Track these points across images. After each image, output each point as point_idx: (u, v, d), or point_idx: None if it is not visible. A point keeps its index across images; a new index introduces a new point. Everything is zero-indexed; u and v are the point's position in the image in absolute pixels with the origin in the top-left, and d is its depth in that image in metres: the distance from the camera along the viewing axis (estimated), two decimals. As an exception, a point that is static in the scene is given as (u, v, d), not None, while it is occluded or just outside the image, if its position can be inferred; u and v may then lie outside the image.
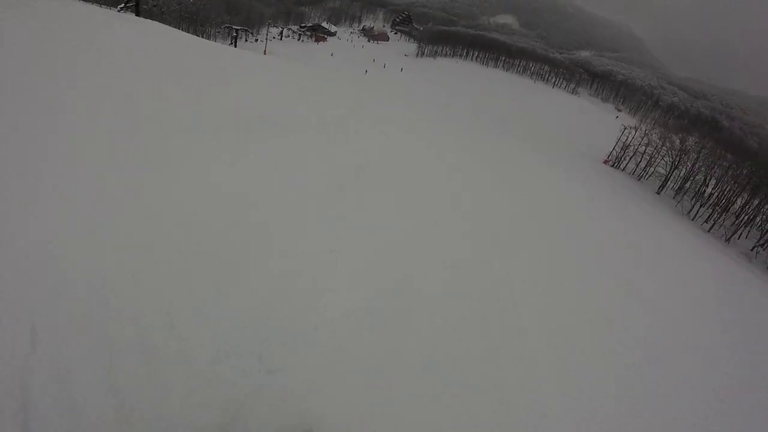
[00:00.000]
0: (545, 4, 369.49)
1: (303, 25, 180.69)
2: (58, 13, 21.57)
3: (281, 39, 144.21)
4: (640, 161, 61.13)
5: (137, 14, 51.38)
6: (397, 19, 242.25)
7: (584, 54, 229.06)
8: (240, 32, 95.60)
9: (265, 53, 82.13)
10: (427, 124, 36.92)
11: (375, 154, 18.41)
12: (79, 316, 6.11)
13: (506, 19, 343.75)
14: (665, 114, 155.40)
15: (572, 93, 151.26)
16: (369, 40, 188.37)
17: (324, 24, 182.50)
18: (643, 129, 63.74)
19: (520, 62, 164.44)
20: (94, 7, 33.90)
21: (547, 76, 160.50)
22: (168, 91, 17.14)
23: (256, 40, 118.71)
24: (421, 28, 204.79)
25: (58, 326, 5.84)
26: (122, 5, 52.57)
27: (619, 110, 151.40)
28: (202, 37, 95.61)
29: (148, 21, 34.42)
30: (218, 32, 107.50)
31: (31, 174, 8.55)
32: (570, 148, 62.28)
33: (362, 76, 71.67)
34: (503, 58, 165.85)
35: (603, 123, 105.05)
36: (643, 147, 61.09)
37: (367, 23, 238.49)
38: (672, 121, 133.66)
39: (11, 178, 8.15)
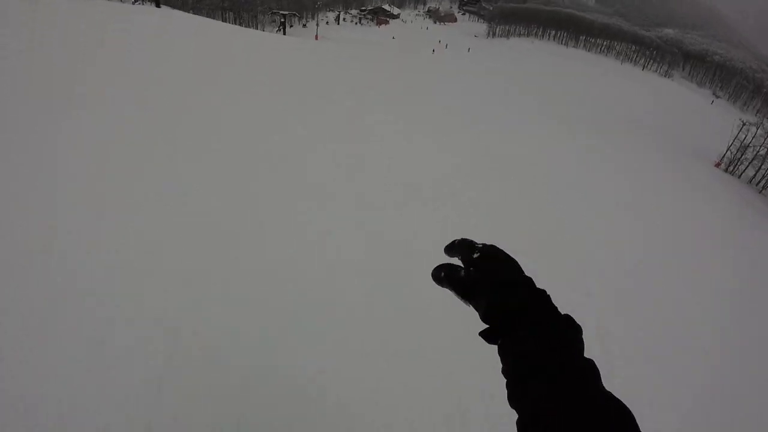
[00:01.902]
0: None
1: (363, 8, 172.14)
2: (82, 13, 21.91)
3: (338, 23, 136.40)
4: (761, 167, 49.74)
5: (157, 5, 48.81)
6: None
7: (668, 32, 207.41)
8: (288, 17, 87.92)
9: (316, 38, 75.59)
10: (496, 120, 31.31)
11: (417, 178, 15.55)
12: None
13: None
14: (766, 102, 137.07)
15: (665, 76, 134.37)
16: (435, 22, 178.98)
17: (386, 6, 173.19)
18: (767, 126, 51.99)
19: (604, 42, 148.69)
20: (114, 3, 31.97)
21: (634, 56, 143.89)
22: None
23: (304, 25, 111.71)
24: (491, 8, 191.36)
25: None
26: None
27: (717, 96, 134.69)
28: (246, 25, 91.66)
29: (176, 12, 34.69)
30: (270, 20, 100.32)
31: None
32: (676, 146, 51.10)
33: (423, 62, 63.08)
34: (583, 37, 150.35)
35: (700, 112, 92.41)
36: (765, 149, 49.72)
37: (433, 4, 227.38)
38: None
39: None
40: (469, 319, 1.25)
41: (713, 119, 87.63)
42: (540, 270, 2.47)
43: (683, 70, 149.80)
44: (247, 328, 7.05)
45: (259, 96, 20.86)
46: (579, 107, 52.97)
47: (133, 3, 50.66)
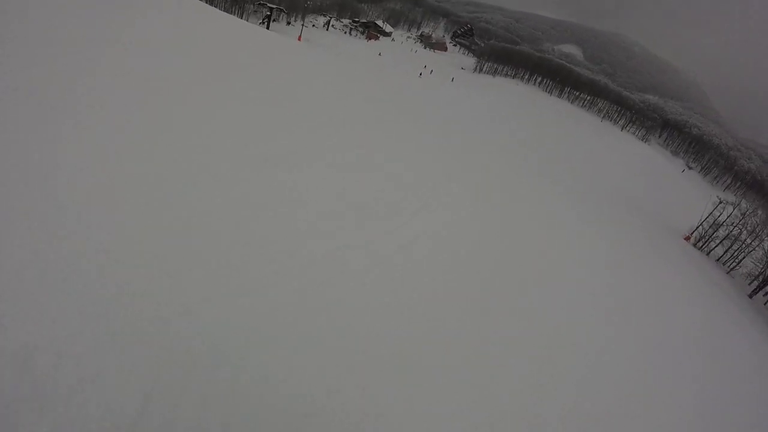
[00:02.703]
0: (612, 41, 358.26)
1: (356, 20, 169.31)
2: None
3: (327, 29, 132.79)
4: (730, 247, 47.65)
5: None
6: (459, 31, 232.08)
7: (649, 98, 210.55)
8: (275, 12, 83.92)
9: (299, 39, 72.07)
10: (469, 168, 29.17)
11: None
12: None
13: (571, 49, 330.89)
14: (735, 179, 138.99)
15: (642, 140, 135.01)
16: (425, 47, 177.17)
17: (379, 22, 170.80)
18: (744, 207, 49.88)
19: (587, 96, 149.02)
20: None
21: (615, 116, 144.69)
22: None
23: (288, 23, 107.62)
24: (482, 44, 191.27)
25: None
26: None
27: (690, 167, 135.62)
28: (229, 11, 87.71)
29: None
30: (253, 10, 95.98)
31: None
32: (644, 215, 49.00)
33: (401, 88, 60.17)
34: (568, 88, 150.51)
35: (672, 181, 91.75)
36: (738, 230, 47.61)
37: (427, 30, 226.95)
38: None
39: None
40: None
41: (684, 189, 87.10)
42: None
43: (660, 136, 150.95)
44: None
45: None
46: (556, 163, 50.81)
47: None
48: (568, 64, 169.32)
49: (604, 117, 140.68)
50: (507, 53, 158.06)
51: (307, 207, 13.13)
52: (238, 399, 6.51)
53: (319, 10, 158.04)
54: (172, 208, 10.23)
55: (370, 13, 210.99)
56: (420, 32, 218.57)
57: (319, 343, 8.24)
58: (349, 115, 26.82)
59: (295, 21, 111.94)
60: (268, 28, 73.32)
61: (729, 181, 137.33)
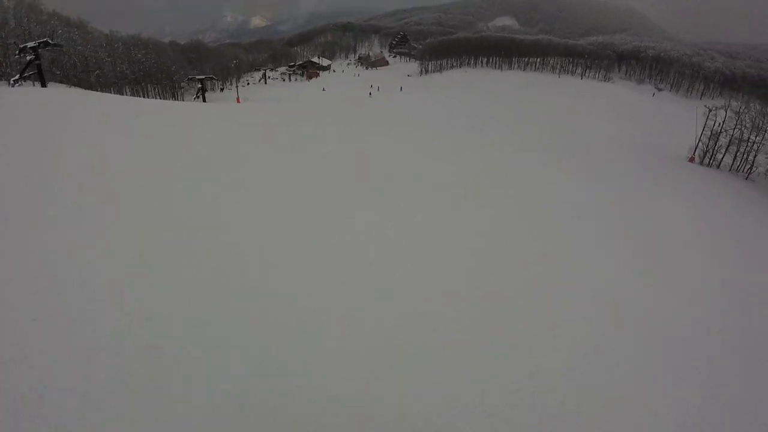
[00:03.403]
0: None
1: (291, 64, 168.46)
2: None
3: (265, 82, 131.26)
4: (738, 151, 44.56)
5: (43, 84, 49.00)
6: (393, 42, 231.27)
7: (596, 39, 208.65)
8: (207, 82, 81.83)
9: (237, 101, 69.97)
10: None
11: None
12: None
13: (505, 21, 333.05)
14: (707, 84, 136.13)
15: (605, 80, 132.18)
16: (367, 68, 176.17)
17: (315, 59, 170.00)
18: (735, 106, 46.84)
19: (537, 59, 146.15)
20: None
21: (570, 67, 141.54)
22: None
23: (222, 89, 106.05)
24: (419, 46, 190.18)
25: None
26: (16, 77, 48.56)
27: (659, 89, 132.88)
28: (163, 96, 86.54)
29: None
30: (183, 87, 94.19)
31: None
32: (636, 151, 45.60)
33: (351, 109, 58.22)
34: (515, 58, 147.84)
35: (646, 107, 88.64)
36: (739, 131, 44.59)
37: (363, 51, 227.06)
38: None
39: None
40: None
41: (664, 113, 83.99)
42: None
43: (619, 71, 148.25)
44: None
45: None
46: (526, 128, 47.72)
47: (12, 85, 45.05)
48: (506, 35, 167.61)
49: (560, 72, 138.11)
50: (445, 46, 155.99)
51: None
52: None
53: (252, 67, 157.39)
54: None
55: (304, 53, 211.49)
56: (357, 56, 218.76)
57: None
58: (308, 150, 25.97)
59: (231, 85, 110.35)
60: (204, 100, 71.21)
61: (702, 88, 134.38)
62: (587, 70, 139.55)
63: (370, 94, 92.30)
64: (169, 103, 44.70)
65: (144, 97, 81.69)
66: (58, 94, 32.88)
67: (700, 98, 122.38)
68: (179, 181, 17.00)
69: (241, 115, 39.75)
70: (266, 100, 74.79)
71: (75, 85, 62.89)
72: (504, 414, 7.33)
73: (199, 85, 74.35)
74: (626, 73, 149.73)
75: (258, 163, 21.91)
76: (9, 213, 12.28)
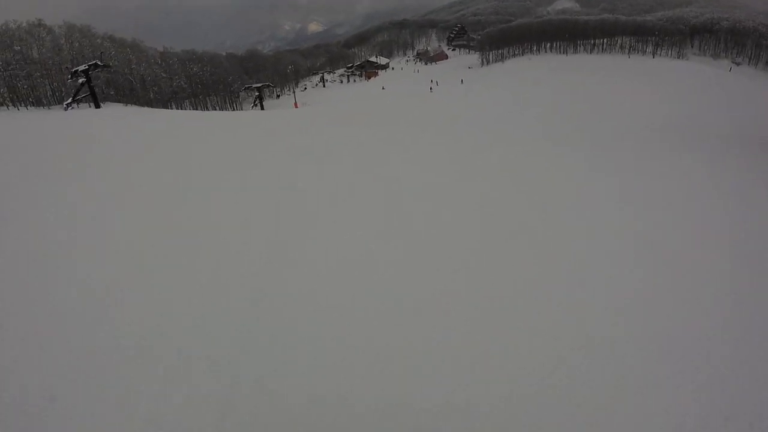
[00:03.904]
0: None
1: (350, 65, 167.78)
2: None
3: (324, 86, 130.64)
4: None
5: (96, 105, 50.15)
6: (451, 35, 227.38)
7: (663, 14, 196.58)
8: (264, 90, 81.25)
9: (295, 106, 68.63)
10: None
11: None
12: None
13: (564, 4, 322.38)
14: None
15: (679, 57, 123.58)
16: (426, 63, 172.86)
17: (372, 59, 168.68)
18: None
19: (604, 40, 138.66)
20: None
21: (640, 46, 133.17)
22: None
23: (278, 96, 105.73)
24: (478, 37, 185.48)
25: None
26: (69, 101, 50.11)
27: (737, 63, 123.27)
28: (222, 107, 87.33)
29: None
30: (244, 97, 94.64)
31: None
32: (719, 135, 38.29)
33: (410, 106, 55.63)
34: (580, 41, 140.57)
35: (723, 84, 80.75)
36: None
37: (421, 47, 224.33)
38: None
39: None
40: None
41: (743, 89, 75.92)
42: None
43: (692, 46, 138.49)
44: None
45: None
46: (601, 117, 42.78)
47: (66, 109, 46.12)
48: (570, 17, 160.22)
49: (629, 52, 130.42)
50: (505, 34, 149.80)
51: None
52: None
53: (310, 72, 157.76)
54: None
55: (362, 54, 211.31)
56: (416, 51, 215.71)
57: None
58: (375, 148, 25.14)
59: (289, 91, 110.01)
60: (262, 108, 70.38)
61: None
62: (658, 48, 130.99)
63: (431, 89, 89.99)
64: (208, 114, 44.78)
65: (203, 109, 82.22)
66: (103, 111, 34.02)
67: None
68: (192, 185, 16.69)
69: (296, 120, 38.69)
70: (324, 103, 73.08)
71: (132, 103, 63.54)
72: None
73: (257, 93, 73.69)
74: (700, 48, 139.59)
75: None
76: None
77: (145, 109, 47.03)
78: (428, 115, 42.51)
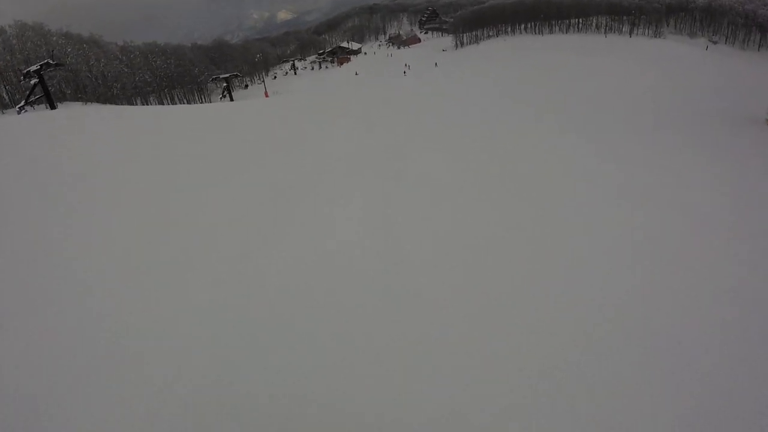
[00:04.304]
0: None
1: (321, 51, 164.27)
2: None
3: (294, 73, 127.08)
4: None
5: (51, 106, 47.17)
6: (423, 18, 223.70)
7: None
8: (232, 80, 77.90)
9: (266, 96, 65.68)
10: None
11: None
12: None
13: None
14: (765, 32, 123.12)
15: (656, 36, 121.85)
16: (399, 47, 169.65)
17: (344, 44, 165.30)
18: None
19: (579, 20, 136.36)
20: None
21: (616, 26, 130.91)
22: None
23: (246, 86, 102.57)
24: (450, 20, 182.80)
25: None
26: (22, 104, 47.78)
27: (714, 42, 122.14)
28: (190, 100, 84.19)
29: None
30: (210, 88, 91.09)
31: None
32: (701, 115, 34.87)
33: (385, 90, 53.48)
34: (555, 21, 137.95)
35: (698, 63, 77.99)
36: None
37: (393, 31, 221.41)
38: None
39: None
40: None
41: (722, 69, 73.10)
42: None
43: (667, 25, 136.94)
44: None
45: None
46: (579, 98, 40.86)
47: (19, 112, 44.42)
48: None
49: (606, 31, 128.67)
50: (478, 16, 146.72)
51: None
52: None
53: (280, 60, 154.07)
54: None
55: (332, 40, 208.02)
56: (388, 36, 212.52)
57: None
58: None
59: (259, 81, 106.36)
60: (231, 99, 67.22)
61: (759, 39, 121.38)
62: (635, 27, 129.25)
63: (404, 72, 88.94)
64: (168, 109, 44.47)
65: (169, 103, 78.83)
66: (58, 113, 33.63)
67: (758, 50, 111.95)
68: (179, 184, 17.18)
69: (268, 109, 38.42)
70: (296, 92, 70.35)
71: (94, 101, 60.42)
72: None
73: (225, 84, 70.47)
74: (676, 27, 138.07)
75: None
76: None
77: (105, 107, 44.40)
78: (406, 102, 41.78)
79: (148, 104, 76.52)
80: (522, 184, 17.30)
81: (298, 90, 77.38)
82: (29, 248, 11.54)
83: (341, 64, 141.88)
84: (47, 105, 47.20)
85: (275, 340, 7.80)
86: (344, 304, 9.03)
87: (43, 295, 8.97)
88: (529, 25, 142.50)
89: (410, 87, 56.61)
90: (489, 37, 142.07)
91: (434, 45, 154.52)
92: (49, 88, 49.30)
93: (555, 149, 22.92)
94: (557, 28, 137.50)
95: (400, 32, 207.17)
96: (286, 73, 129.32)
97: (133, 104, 70.80)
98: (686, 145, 24.20)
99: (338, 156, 20.93)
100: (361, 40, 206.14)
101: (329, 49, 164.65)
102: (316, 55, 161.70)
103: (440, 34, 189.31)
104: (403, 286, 9.98)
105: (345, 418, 6.30)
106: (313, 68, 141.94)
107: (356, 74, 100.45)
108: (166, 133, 28.21)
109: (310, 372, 7.05)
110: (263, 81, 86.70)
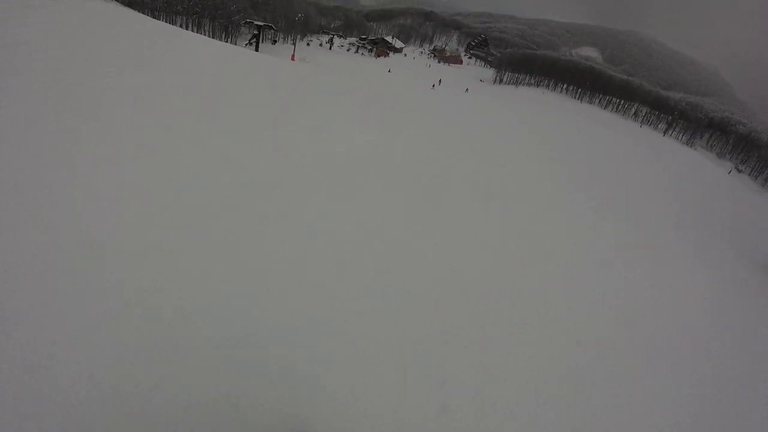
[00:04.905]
0: (629, 39, 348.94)
1: (363, 36, 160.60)
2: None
3: (330, 48, 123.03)
4: None
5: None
6: (473, 43, 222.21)
7: (683, 96, 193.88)
8: (264, 30, 73.79)
9: (292, 59, 61.95)
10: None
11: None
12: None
13: (589, 52, 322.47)
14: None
15: (687, 144, 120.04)
16: (439, 61, 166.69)
17: (388, 38, 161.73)
18: None
19: (619, 100, 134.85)
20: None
21: (653, 119, 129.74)
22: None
23: (274, 42, 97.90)
24: (498, 54, 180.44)
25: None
26: None
27: (739, 170, 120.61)
28: (212, 35, 79.99)
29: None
30: (240, 32, 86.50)
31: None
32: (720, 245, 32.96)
33: (414, 98, 50.68)
34: (599, 94, 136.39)
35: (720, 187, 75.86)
36: None
37: (439, 43, 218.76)
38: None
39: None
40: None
41: (738, 199, 71.02)
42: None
43: (701, 138, 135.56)
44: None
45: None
46: (600, 177, 39.21)
47: None
48: (596, 66, 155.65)
49: (642, 122, 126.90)
50: (528, 60, 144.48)
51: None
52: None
53: (321, 29, 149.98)
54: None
55: (379, 30, 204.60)
56: (432, 46, 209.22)
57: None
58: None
59: (291, 42, 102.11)
60: (257, 49, 63.29)
61: None
62: (671, 129, 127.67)
63: (433, 86, 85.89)
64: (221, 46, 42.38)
65: (196, 32, 74.65)
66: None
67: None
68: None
69: (287, 74, 37.51)
70: (325, 67, 66.39)
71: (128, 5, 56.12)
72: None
73: (255, 32, 66.44)
74: (707, 143, 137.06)
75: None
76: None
77: (136, 14, 42.43)
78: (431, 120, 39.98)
79: (173, 24, 71.97)
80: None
81: (326, 64, 73.50)
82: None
83: (378, 56, 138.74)
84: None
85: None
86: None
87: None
88: (570, 88, 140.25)
89: (438, 103, 53.50)
90: (530, 84, 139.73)
91: (474, 72, 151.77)
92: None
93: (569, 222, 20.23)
94: (597, 100, 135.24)
95: (446, 47, 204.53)
96: (321, 44, 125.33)
97: (156, 19, 66.36)
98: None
99: (341, 156, 20.16)
100: (405, 41, 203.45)
101: (372, 38, 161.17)
102: (357, 39, 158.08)
103: (483, 63, 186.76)
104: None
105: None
106: (349, 49, 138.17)
107: (389, 71, 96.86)
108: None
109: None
110: (294, 43, 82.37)
